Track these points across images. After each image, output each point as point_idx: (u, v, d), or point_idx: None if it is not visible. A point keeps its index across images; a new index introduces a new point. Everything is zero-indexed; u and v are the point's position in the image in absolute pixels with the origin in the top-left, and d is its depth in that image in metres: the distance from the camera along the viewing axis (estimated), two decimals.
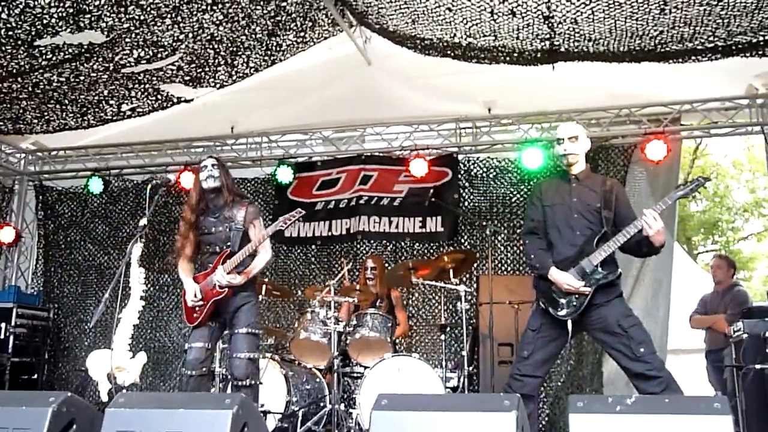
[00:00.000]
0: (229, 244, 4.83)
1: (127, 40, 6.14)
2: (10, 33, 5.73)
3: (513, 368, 4.48)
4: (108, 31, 5.91)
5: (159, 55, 6.53)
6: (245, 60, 6.99)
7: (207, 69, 7.03)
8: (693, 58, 6.02)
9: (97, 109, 7.63)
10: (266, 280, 6.74)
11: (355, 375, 6.17)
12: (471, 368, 6.16)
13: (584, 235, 4.30)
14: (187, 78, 7.14)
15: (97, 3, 5.45)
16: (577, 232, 4.32)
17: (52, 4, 5.38)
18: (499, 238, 7.89)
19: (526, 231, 4.62)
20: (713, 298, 7.34)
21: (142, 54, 6.44)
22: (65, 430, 2.64)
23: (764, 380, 5.19)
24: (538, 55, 6.33)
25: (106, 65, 6.55)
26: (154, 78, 7.01)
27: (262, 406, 5.16)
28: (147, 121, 8.07)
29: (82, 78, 6.77)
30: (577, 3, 5.18)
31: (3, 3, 5.31)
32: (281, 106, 7.96)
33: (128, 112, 7.80)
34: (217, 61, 6.90)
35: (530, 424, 3.05)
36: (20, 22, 5.57)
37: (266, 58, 7.05)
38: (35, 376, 8.16)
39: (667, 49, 5.86)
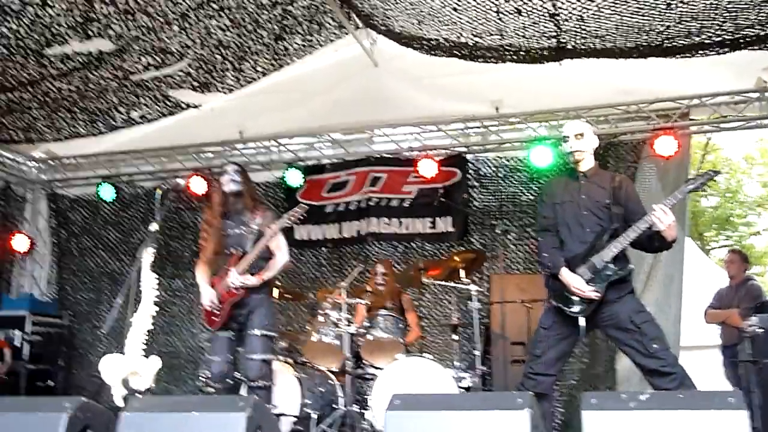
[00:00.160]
0: (241, 246, 4.87)
1: (136, 47, 6.18)
2: (21, 43, 5.79)
3: (526, 367, 4.48)
4: (116, 38, 5.96)
5: (167, 62, 6.57)
6: (253, 64, 7.02)
7: (215, 74, 7.07)
8: (701, 52, 5.99)
9: (107, 117, 7.69)
10: (278, 282, 6.75)
11: (367, 376, 6.17)
12: (484, 368, 6.14)
13: (594, 231, 4.29)
14: (195, 84, 7.18)
15: (105, 11, 5.49)
16: (587, 229, 4.32)
17: (61, 14, 5.42)
18: (510, 236, 7.88)
19: (540, 228, 4.62)
20: (727, 293, 7.31)
21: (150, 61, 6.48)
22: None
23: None
24: (545, 52, 6.31)
25: (115, 73, 6.59)
26: (163, 84, 7.05)
27: (275, 408, 5.17)
28: (156, 128, 8.12)
29: (91, 86, 6.82)
30: (583, 0, 5.18)
31: (13, 14, 5.36)
32: (289, 109, 7.97)
33: (138, 119, 7.85)
34: (224, 66, 6.93)
35: (544, 423, 3.05)
36: (30, 32, 5.63)
37: (273, 62, 7.08)
38: (51, 383, 8.21)
39: (675, 44, 5.84)
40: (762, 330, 5.38)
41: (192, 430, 2.54)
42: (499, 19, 5.72)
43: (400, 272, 7.03)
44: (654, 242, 4.23)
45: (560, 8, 5.34)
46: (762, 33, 5.44)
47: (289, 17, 6.31)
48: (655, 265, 7.21)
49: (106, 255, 9.16)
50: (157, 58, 6.46)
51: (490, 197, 8.09)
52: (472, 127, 8.00)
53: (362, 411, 5.89)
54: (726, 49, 5.87)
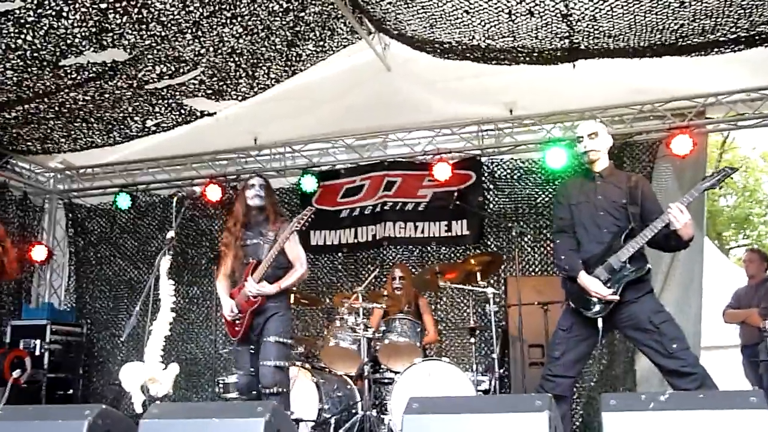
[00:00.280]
0: (257, 256, 4.93)
1: (150, 56, 6.22)
2: (36, 54, 5.84)
3: (545, 369, 4.46)
4: (130, 48, 6.00)
5: (181, 70, 6.60)
6: (266, 71, 7.05)
7: (228, 82, 7.10)
8: (715, 50, 5.96)
9: (122, 126, 7.74)
10: (294, 289, 6.76)
11: (385, 381, 6.17)
12: (502, 371, 6.13)
13: (611, 232, 4.27)
14: (209, 91, 7.22)
15: (118, 21, 5.53)
16: (603, 230, 4.29)
17: (75, 25, 5.47)
18: (526, 239, 7.85)
19: (556, 230, 4.60)
20: (746, 292, 7.25)
21: (164, 69, 6.52)
22: None
23: None
24: (558, 53, 6.31)
25: (130, 82, 6.64)
26: (177, 93, 7.09)
27: (292, 413, 5.18)
28: (171, 136, 8.16)
29: (106, 96, 6.87)
30: (595, 0, 5.16)
31: (28, 26, 5.42)
32: (303, 115, 8.00)
33: (153, 128, 7.90)
34: (238, 73, 6.96)
35: (563, 425, 3.03)
36: (45, 44, 5.68)
37: (286, 68, 7.10)
38: (71, 391, 8.27)
39: (689, 42, 5.81)
40: None
41: None
42: (512, 20, 5.72)
43: (416, 276, 7.01)
44: (671, 241, 4.20)
45: (572, 9, 5.34)
46: None
47: (301, 24, 6.33)
48: (674, 265, 7.16)
49: (124, 263, 9.21)
50: (171, 67, 6.50)
51: (506, 200, 8.06)
52: (486, 130, 7.98)
53: (381, 415, 5.88)
54: (741, 47, 5.84)
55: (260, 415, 2.51)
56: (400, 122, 8.09)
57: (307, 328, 8.14)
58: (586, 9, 5.32)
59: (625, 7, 5.26)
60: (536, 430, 2.30)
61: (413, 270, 7.43)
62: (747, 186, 21.49)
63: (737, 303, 7.22)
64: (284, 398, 4.76)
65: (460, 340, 7.83)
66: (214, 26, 5.97)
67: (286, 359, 4.82)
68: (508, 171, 8.09)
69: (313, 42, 6.76)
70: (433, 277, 6.34)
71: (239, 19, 5.95)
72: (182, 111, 7.54)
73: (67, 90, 6.62)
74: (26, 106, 6.89)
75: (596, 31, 5.78)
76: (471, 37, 6.14)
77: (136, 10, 5.45)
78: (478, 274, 6.20)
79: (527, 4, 5.34)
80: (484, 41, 6.17)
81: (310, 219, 4.89)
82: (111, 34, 5.72)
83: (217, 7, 5.67)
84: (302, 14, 6.21)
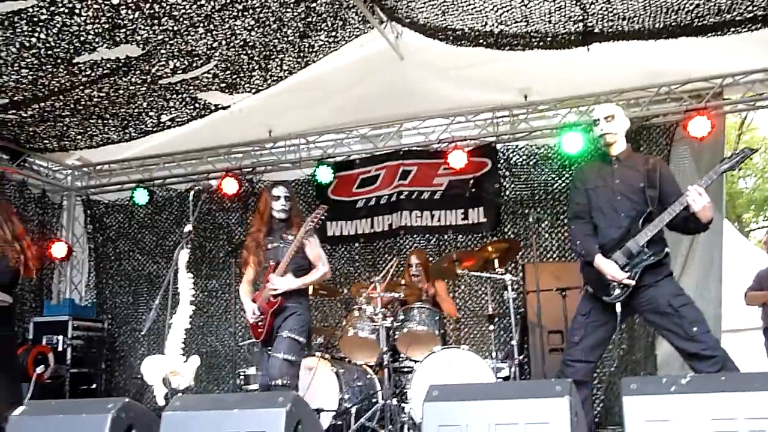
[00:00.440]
0: (277, 259, 5.02)
1: (163, 51, 6.24)
2: (50, 52, 5.88)
3: (564, 354, 4.46)
4: (143, 43, 6.02)
5: (194, 64, 6.62)
6: (279, 63, 7.05)
7: (242, 75, 7.11)
8: (732, 29, 5.88)
9: (137, 122, 7.77)
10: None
11: (405, 369, 6.18)
12: (521, 357, 6.11)
13: (629, 216, 4.24)
14: (222, 85, 7.23)
15: (131, 17, 5.55)
16: (621, 214, 4.26)
17: (88, 21, 5.50)
18: (543, 225, 7.81)
19: (571, 216, 4.58)
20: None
21: (177, 64, 6.54)
22: None
23: None
24: (572, 37, 6.26)
25: (144, 77, 6.66)
26: (191, 87, 7.10)
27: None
28: (186, 131, 8.18)
29: (121, 92, 6.90)
30: None
31: (41, 24, 5.45)
32: (317, 106, 8.00)
33: (168, 123, 7.92)
34: (251, 66, 6.96)
35: (584, 410, 3.03)
36: (59, 41, 5.72)
37: (299, 60, 7.10)
38: (94, 386, 8.35)
39: (705, 22, 5.75)
40: None
41: (233, 426, 2.56)
42: (525, 5, 5.68)
43: (434, 264, 7.01)
44: (690, 224, 4.17)
45: None
46: None
47: (312, 14, 6.32)
48: (693, 248, 7.12)
49: (143, 258, 9.27)
50: (184, 61, 6.51)
51: (522, 186, 8.02)
52: (500, 117, 7.94)
53: (401, 404, 5.89)
54: (758, 25, 5.77)
55: (281, 406, 2.52)
56: (414, 111, 8.07)
57: (325, 319, 8.17)
58: None
59: None
60: (557, 415, 2.29)
61: (430, 259, 7.42)
62: (766, 167, 21.26)
63: (759, 285, 7.16)
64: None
65: (479, 328, 7.82)
66: (226, 19, 5.97)
67: (297, 355, 4.84)
68: (524, 157, 8.05)
69: (325, 32, 6.75)
70: (451, 265, 6.33)
71: (251, 11, 5.94)
72: (196, 105, 7.56)
73: (81, 87, 6.65)
74: (42, 104, 6.94)
75: (610, 14, 5.73)
76: (484, 23, 6.11)
77: (148, 5, 5.46)
78: (496, 261, 6.17)
79: None
80: (497, 27, 6.14)
81: (323, 217, 5.04)
82: (124, 30, 5.75)
83: (228, 0, 5.67)
84: (314, 5, 6.20)
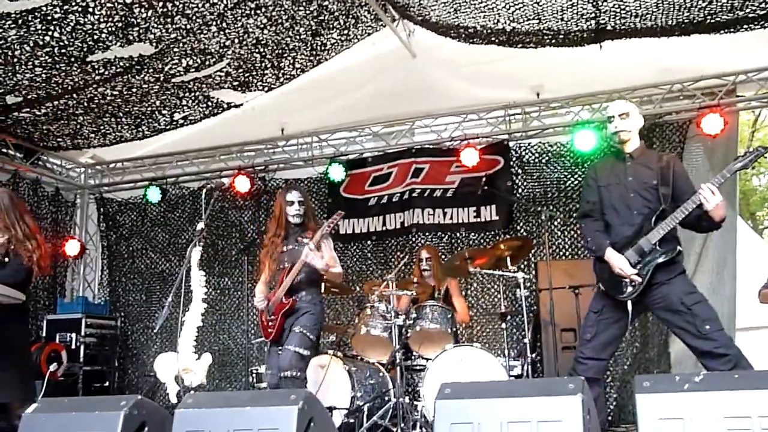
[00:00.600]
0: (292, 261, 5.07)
1: (176, 49, 6.26)
2: (63, 51, 5.91)
3: (577, 352, 4.44)
4: (156, 42, 6.04)
5: (207, 63, 6.64)
6: (291, 61, 7.06)
7: (254, 73, 7.13)
8: (745, 26, 5.84)
9: (150, 120, 7.81)
10: (324, 277, 6.79)
11: (417, 367, 6.17)
12: (534, 355, 6.09)
13: (642, 213, 4.22)
14: (235, 83, 7.25)
15: (144, 15, 5.57)
16: (634, 212, 4.25)
17: (101, 20, 5.52)
18: (556, 223, 7.78)
19: (581, 214, 4.57)
20: None
21: (190, 62, 6.56)
22: None
23: None
24: (585, 35, 6.23)
25: (157, 76, 6.69)
26: (204, 85, 7.13)
27: None
28: (199, 129, 8.22)
29: (134, 90, 6.93)
30: None
31: (55, 22, 5.48)
32: (329, 104, 8.01)
33: (181, 121, 7.96)
34: (263, 64, 6.98)
35: (597, 408, 3.02)
36: (72, 40, 5.75)
37: (311, 58, 7.11)
38: (107, 383, 8.40)
39: (718, 19, 5.71)
40: None
41: (245, 424, 2.57)
42: (537, 2, 5.66)
43: (446, 262, 7.00)
44: (703, 222, 4.15)
45: None
46: None
47: (325, 12, 6.33)
48: (707, 246, 7.07)
49: (155, 256, 9.31)
50: (197, 60, 6.54)
51: (534, 184, 7.99)
52: (513, 114, 7.93)
53: (413, 402, 5.90)
54: None
55: (293, 403, 2.53)
56: (427, 108, 8.06)
57: (338, 317, 8.17)
58: None
59: None
60: (569, 413, 2.29)
61: (443, 257, 7.41)
62: None
63: None
64: (298, 384, 4.80)
65: (491, 326, 7.81)
66: (239, 18, 5.99)
67: (306, 348, 4.87)
68: (536, 155, 8.01)
69: (338, 30, 6.76)
70: (463, 263, 6.32)
71: (263, 9, 5.96)
72: (209, 103, 7.59)
73: (95, 85, 6.69)
74: (55, 103, 6.98)
75: (623, 11, 5.70)
76: (496, 21, 6.09)
77: (161, 3, 5.49)
78: (508, 259, 6.16)
79: None
80: (509, 24, 6.12)
81: (339, 223, 5.09)
82: (137, 29, 5.77)
83: None
84: (326, 3, 6.21)
